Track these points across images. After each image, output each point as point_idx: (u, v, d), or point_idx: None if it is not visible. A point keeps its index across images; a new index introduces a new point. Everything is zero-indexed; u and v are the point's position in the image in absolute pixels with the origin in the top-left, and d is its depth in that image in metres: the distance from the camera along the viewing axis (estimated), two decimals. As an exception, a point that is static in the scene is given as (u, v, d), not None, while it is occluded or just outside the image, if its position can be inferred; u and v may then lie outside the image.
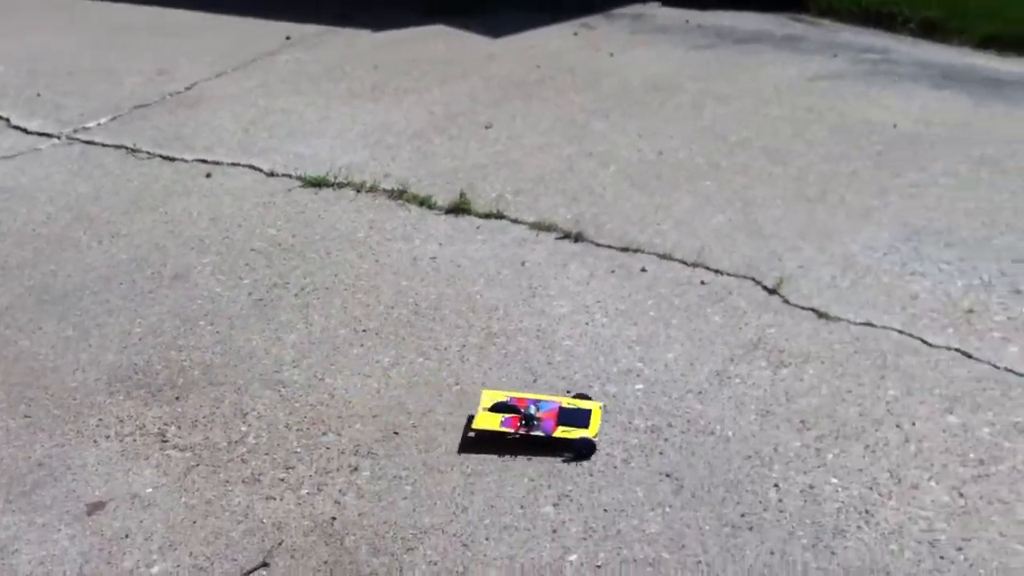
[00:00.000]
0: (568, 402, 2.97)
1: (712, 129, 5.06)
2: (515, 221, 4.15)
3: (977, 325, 3.34)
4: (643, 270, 3.75)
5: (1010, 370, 3.11)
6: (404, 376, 3.18)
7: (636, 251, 3.88)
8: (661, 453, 2.82)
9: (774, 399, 3.03)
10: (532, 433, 2.85)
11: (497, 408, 2.93)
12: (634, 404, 3.02)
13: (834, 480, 2.70)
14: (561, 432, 2.84)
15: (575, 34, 6.75)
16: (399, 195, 4.39)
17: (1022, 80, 5.58)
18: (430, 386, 3.13)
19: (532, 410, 2.90)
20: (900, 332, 3.32)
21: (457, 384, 3.13)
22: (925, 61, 5.99)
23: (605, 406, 2.99)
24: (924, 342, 3.26)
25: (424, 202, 4.31)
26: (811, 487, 2.67)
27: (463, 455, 2.82)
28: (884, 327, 3.35)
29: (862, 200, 4.23)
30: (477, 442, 2.87)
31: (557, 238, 4.00)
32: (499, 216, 4.19)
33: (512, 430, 2.86)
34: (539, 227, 4.08)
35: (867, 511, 2.58)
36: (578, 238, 3.98)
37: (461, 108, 5.44)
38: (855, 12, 6.87)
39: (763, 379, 3.12)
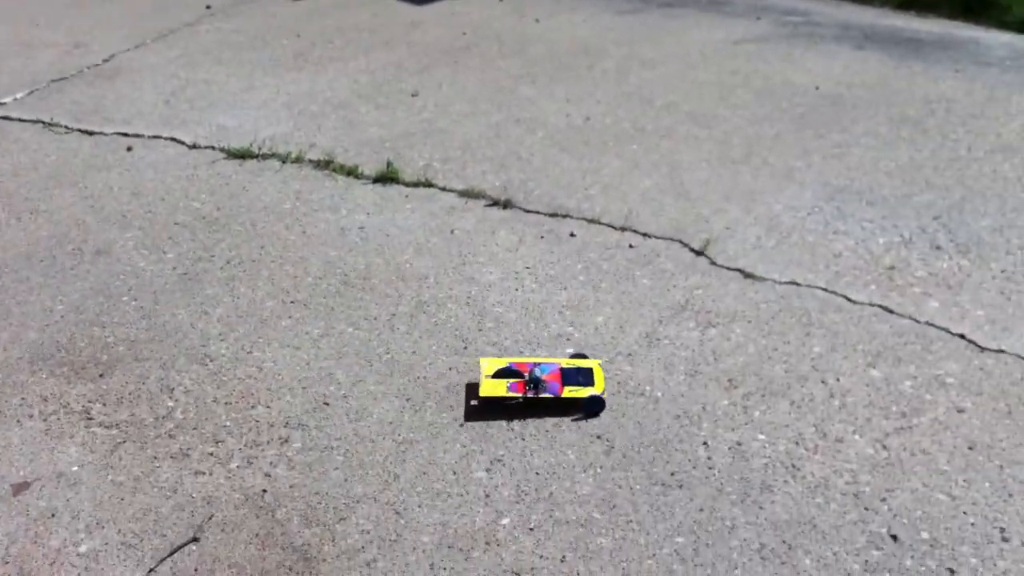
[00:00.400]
0: (567, 362, 2.97)
1: (638, 93, 5.08)
2: (444, 189, 4.13)
3: (898, 281, 3.40)
4: (572, 235, 3.76)
5: (930, 324, 3.18)
6: (333, 347, 3.16)
7: (565, 216, 3.89)
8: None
9: (702, 359, 3.06)
10: (541, 395, 2.85)
11: (500, 374, 2.90)
12: (564, 368, 3.03)
13: (761, 436, 2.74)
14: (568, 392, 2.85)
15: (500, 0, 6.72)
16: (325, 165, 4.34)
17: (941, 40, 5.68)
18: (360, 356, 3.11)
19: (537, 373, 2.88)
20: (824, 290, 3.37)
21: (388, 353, 3.12)
22: (847, 23, 6.07)
23: (602, 362, 3.02)
24: (847, 299, 3.32)
25: (351, 172, 4.27)
26: (739, 444, 2.71)
27: (393, 424, 2.81)
28: (809, 285, 3.40)
29: (786, 161, 4.28)
30: (481, 410, 2.86)
31: (486, 205, 4.00)
32: (427, 184, 4.17)
33: (520, 394, 2.85)
34: (468, 195, 4.07)
35: (793, 466, 2.63)
36: (507, 205, 3.98)
37: (387, 76, 5.38)
38: (778, -25, 6.93)
39: (691, 340, 3.15)
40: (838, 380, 2.95)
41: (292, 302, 3.39)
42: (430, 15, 6.45)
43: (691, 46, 5.74)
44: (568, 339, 3.16)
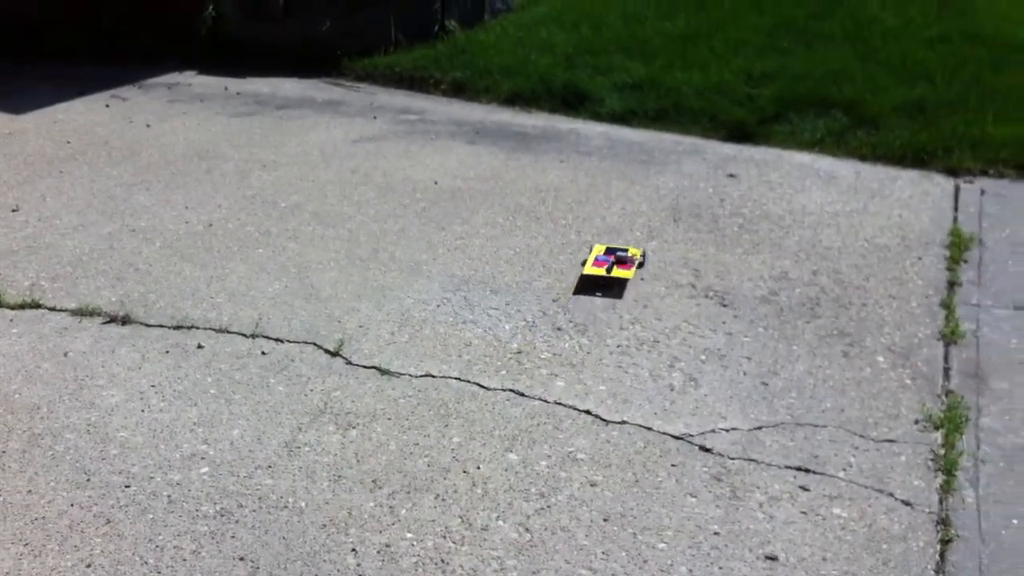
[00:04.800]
0: (601, 248, 4.29)
1: (261, 196, 5.01)
2: (53, 309, 3.84)
3: (526, 364, 3.54)
4: (200, 347, 3.60)
5: (559, 403, 3.32)
6: (-70, 497, 2.80)
7: (191, 328, 3.73)
8: (233, 536, 2.69)
9: (345, 462, 3.01)
10: (637, 262, 4.19)
11: (609, 270, 4.09)
12: (200, 489, 2.87)
13: (409, 535, 2.72)
14: (633, 253, 4.23)
15: (107, 106, 6.43)
16: (-88, 293, 3.90)
17: (545, 133, 6.07)
18: (-36, 504, 2.78)
19: (620, 254, 4.18)
20: (459, 380, 3.44)
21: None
22: (459, 119, 6.34)
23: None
24: (481, 386, 3.40)
25: (-58, 299, 3.87)
26: (388, 546, 2.67)
27: (9, 575, 2.52)
28: (443, 376, 3.46)
29: (412, 256, 4.36)
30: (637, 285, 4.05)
31: (103, 323, 3.75)
32: (34, 305, 3.86)
33: (633, 269, 4.12)
34: (82, 313, 3.80)
35: (443, 560, 2.63)
36: (126, 320, 3.75)
37: (-18, 191, 4.96)
38: (390, 76, 7.14)
39: (332, 444, 3.09)
40: (479, 468, 2.99)
41: None
42: (29, 124, 6.05)
43: (311, 146, 5.76)
44: (202, 457, 2.99)
